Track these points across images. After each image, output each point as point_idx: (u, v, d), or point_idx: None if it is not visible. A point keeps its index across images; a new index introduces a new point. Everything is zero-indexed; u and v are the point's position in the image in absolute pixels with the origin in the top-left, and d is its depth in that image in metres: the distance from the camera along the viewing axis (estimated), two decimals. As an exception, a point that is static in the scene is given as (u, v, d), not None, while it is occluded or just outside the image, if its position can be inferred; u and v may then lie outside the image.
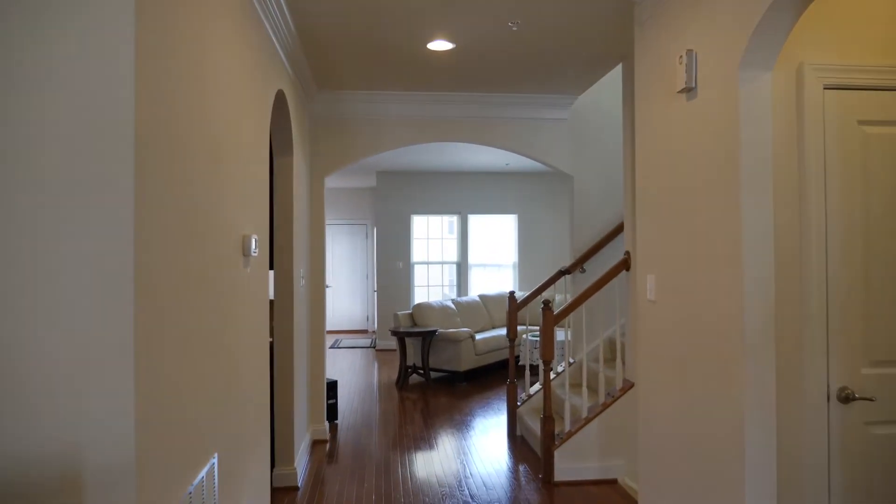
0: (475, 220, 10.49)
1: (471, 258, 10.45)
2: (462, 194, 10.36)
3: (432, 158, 8.95)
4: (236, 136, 2.55)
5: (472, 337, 7.60)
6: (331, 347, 10.48)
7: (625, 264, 4.28)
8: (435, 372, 7.71)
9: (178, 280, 1.78)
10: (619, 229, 5.33)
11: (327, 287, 12.54)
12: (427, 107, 5.25)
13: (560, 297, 8.28)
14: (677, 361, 2.75)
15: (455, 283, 10.50)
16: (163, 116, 1.66)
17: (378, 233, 10.29)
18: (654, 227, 3.02)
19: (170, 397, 1.71)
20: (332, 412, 5.71)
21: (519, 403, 5.32)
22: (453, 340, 7.45)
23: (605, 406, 4.22)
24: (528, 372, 5.41)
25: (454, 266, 10.49)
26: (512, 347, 5.39)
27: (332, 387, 5.72)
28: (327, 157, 5.22)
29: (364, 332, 12.42)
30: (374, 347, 10.40)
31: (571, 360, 5.45)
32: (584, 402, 4.27)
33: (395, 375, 8.06)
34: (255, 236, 2.76)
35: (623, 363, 4.31)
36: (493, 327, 9.03)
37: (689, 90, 2.63)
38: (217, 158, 2.24)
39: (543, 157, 5.42)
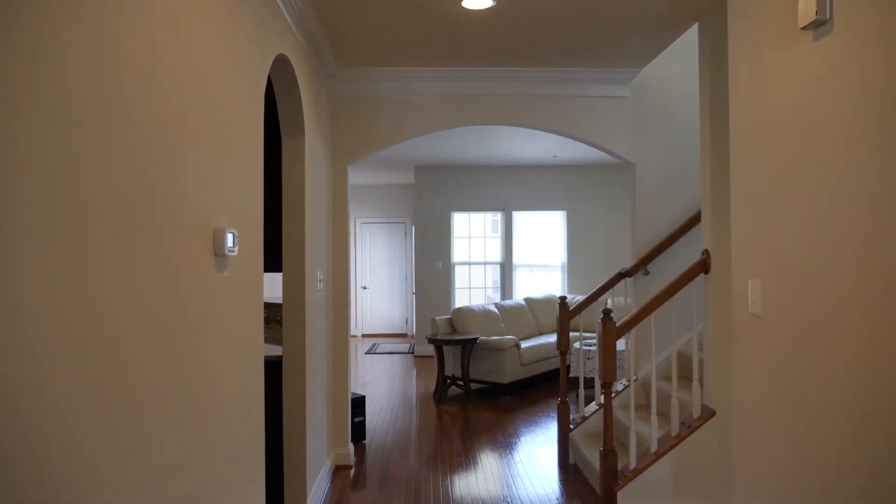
0: (520, 218, 9.75)
1: (515, 258, 9.72)
2: (506, 190, 9.65)
3: (473, 151, 8.27)
4: (206, 105, 1.93)
5: (518, 345, 6.88)
6: (367, 353, 9.91)
7: (702, 266, 3.51)
8: (475, 383, 7.03)
9: (91, 294, 1.16)
10: (691, 223, 4.55)
11: (364, 289, 12.05)
12: (463, 85, 4.57)
13: (619, 300, 7.49)
14: (799, 395, 2.00)
15: (499, 285, 9.79)
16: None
17: (416, 231, 9.67)
18: (758, 218, 2.27)
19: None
20: (359, 431, 5.09)
21: (572, 426, 4.59)
22: (496, 349, 6.75)
23: (681, 438, 3.46)
24: (581, 387, 4.67)
25: (497, 267, 9.79)
26: (563, 360, 4.67)
27: (360, 403, 5.10)
28: (351, 144, 4.60)
29: (403, 336, 11.83)
30: (412, 353, 9.79)
31: (635, 377, 4.68)
32: (653, 431, 3.52)
33: (433, 385, 7.41)
34: (233, 231, 2.13)
35: (701, 385, 3.54)
36: (541, 334, 8.29)
37: (819, 24, 1.88)
38: (168, 131, 1.62)
39: (599, 142, 4.67)
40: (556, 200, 9.65)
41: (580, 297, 8.73)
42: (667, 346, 4.55)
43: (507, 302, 8.10)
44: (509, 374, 6.75)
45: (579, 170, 9.61)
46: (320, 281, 4.05)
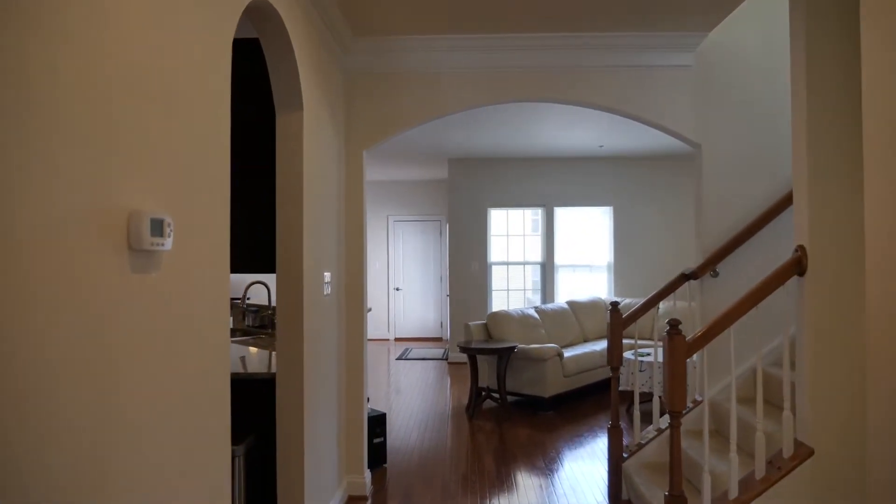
0: (562, 214, 9.03)
1: (557, 258, 9.00)
2: (547, 184, 8.94)
3: (511, 141, 7.60)
4: (126, 43, 1.34)
5: (560, 354, 6.19)
6: (398, 359, 9.33)
7: (797, 266, 2.79)
8: (512, 396, 6.35)
9: None
10: (771, 214, 3.81)
11: (396, 290, 11.49)
12: (497, 55, 3.92)
13: (681, 304, 6.73)
14: None
15: (539, 286, 9.09)
16: None
17: (450, 229, 9.04)
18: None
19: None
20: (378, 454, 4.48)
21: (625, 455, 3.89)
22: (537, 359, 6.07)
23: (769, 482, 2.74)
24: (636, 406, 3.96)
25: (538, 267, 9.09)
26: (615, 378, 3.97)
27: (380, 421, 4.50)
28: (368, 126, 4.00)
29: (438, 340, 11.22)
30: (446, 359, 9.16)
31: (698, 397, 3.96)
32: (732, 472, 2.81)
33: (467, 397, 6.77)
34: (166, 218, 1.54)
35: (794, 415, 2.81)
36: (585, 341, 7.57)
37: None
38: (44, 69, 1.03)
39: (658, 119, 3.96)
40: (601, 195, 8.89)
41: (628, 301, 7.97)
42: (738, 360, 3.82)
43: (549, 306, 7.40)
44: (551, 386, 6.06)
45: (627, 161, 8.83)
46: (328, 284, 3.45)
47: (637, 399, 3.97)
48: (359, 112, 3.99)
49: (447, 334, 10.92)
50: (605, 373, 6.81)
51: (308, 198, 3.01)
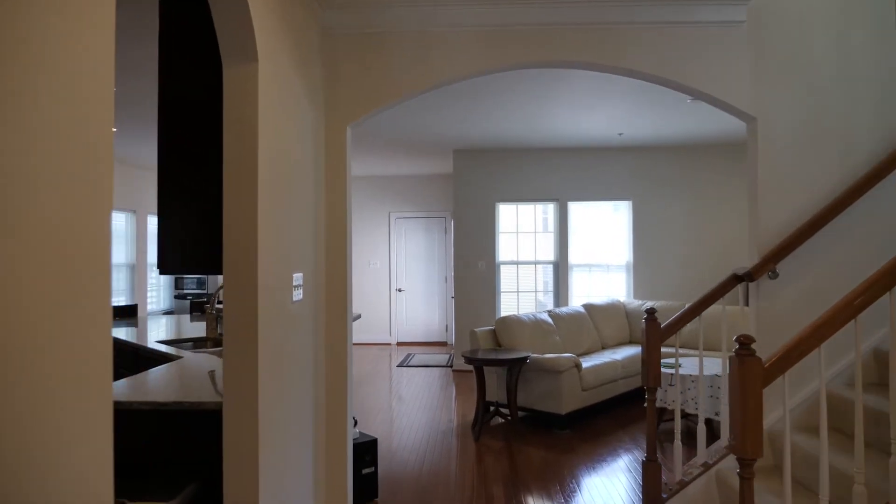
0: (577, 209, 8.33)
1: (571, 257, 8.30)
2: (560, 176, 8.24)
3: (522, 130, 6.91)
4: None
5: (578, 366, 5.49)
6: (399, 366, 8.65)
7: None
8: (524, 411, 5.66)
9: None
10: (844, 202, 3.11)
11: (399, 291, 10.81)
12: (509, 10, 3.23)
13: (730, 308, 6.02)
14: None
15: (551, 288, 8.38)
16: None
17: (456, 226, 8.36)
18: None
19: None
20: (368, 486, 3.81)
21: (664, 496, 3.20)
22: (551, 371, 5.37)
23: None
24: (677, 434, 3.26)
25: (550, 267, 8.39)
26: (651, 402, 3.27)
27: (370, 448, 3.82)
28: (352, 96, 3.32)
29: (442, 344, 10.53)
30: (450, 367, 8.48)
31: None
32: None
33: (472, 412, 6.09)
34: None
35: (903, 463, 2.12)
36: (603, 348, 6.86)
37: None
38: None
39: (704, 87, 3.26)
40: (619, 189, 8.18)
41: (650, 304, 7.26)
42: (799, 382, 3.14)
43: (563, 309, 6.70)
44: (568, 401, 5.37)
45: (648, 152, 8.12)
46: (298, 287, 2.78)
47: (677, 422, 3.27)
48: (342, 79, 3.32)
49: (452, 339, 10.24)
50: (627, 385, 6.11)
51: (266, 179, 2.33)
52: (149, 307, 9.77)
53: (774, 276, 3.20)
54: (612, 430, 5.42)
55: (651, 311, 3.24)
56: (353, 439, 3.74)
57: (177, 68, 2.41)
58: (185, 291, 10.38)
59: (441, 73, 3.27)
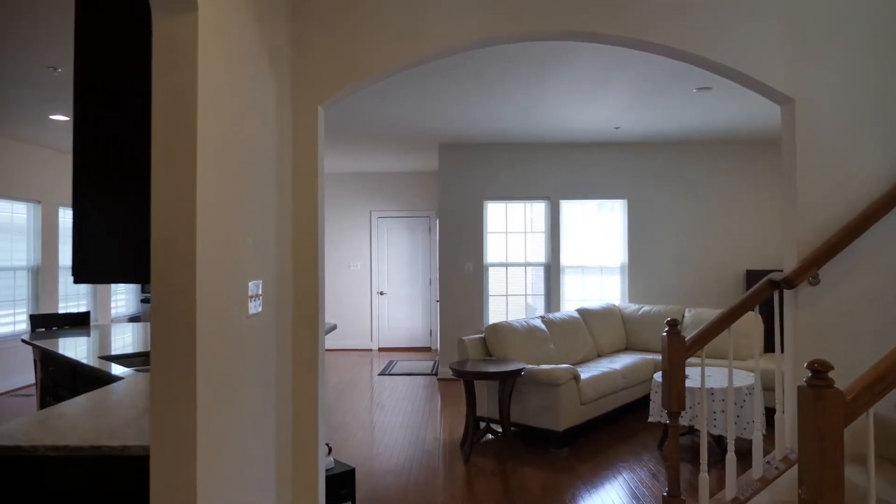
0: (570, 208, 7.89)
1: (564, 259, 7.85)
2: (552, 173, 7.79)
3: (512, 123, 6.44)
4: None
5: (577, 377, 5.03)
6: (381, 374, 8.14)
7: None
8: (517, 427, 5.19)
9: None
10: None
11: (380, 294, 10.31)
12: (509, -29, 2.76)
13: (756, 318, 5.61)
14: None
15: (543, 291, 7.93)
16: None
17: (441, 226, 7.88)
18: None
19: None
20: (344, 524, 3.31)
21: (689, 539, 2.74)
22: (548, 384, 4.91)
23: None
24: (704, 463, 2.81)
25: (541, 269, 7.93)
26: (674, 429, 2.81)
27: (346, 480, 3.32)
28: (325, 70, 2.82)
29: (427, 350, 10.05)
30: (436, 374, 7.99)
31: (791, 453, 2.81)
32: None
33: (461, 427, 5.61)
34: None
35: None
36: (599, 356, 6.43)
37: None
38: None
39: (734, 63, 2.81)
40: (614, 187, 7.75)
41: (647, 308, 6.84)
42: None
43: (557, 315, 6.25)
44: (566, 417, 4.91)
45: (646, 147, 7.70)
46: (256, 297, 2.28)
47: (705, 454, 2.81)
48: (314, 49, 2.82)
49: (437, 344, 9.77)
50: (627, 397, 5.67)
51: (209, 163, 1.83)
52: (114, 312, 9.16)
53: (815, 281, 2.76)
54: (613, 447, 4.97)
55: (674, 323, 2.78)
56: (327, 469, 3.25)
57: (97, 25, 1.90)
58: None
59: (430, 43, 2.78)
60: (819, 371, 1.63)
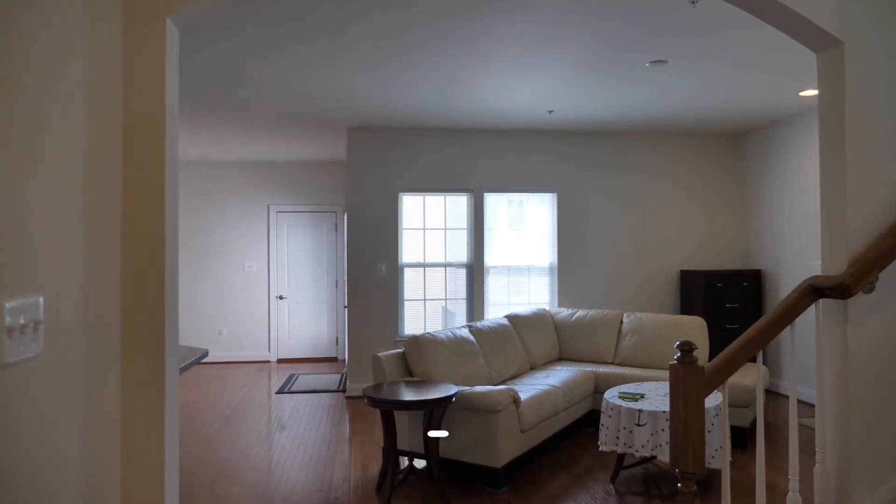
0: (494, 202, 7.11)
1: (488, 258, 7.06)
2: (476, 163, 6.99)
3: (434, 104, 5.56)
4: None
5: (517, 401, 4.20)
6: (279, 392, 7.01)
7: None
8: (446, 463, 4.29)
9: None
10: None
11: (279, 299, 9.14)
12: None
13: (648, 315, 4.96)
14: None
15: (465, 295, 7.10)
16: None
17: (350, 221, 6.88)
18: None
19: None
20: None
21: None
22: (484, 410, 4.05)
23: None
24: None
25: (463, 270, 7.10)
26: (687, 493, 2.01)
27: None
28: (177, -35, 1.80)
29: (333, 360, 8.99)
30: (343, 391, 6.98)
31: None
32: None
33: (375, 461, 4.65)
34: None
35: None
36: (532, 368, 5.68)
37: None
38: None
39: (766, -10, 2.05)
40: (544, 179, 7.05)
41: (581, 314, 6.17)
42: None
43: (486, 324, 5.43)
44: (506, 450, 4.07)
45: (579, 136, 7.05)
46: (28, 327, 1.25)
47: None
48: (157, -67, 1.79)
49: (345, 354, 8.73)
50: (566, 418, 4.92)
51: None
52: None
53: (871, 288, 2.05)
54: (557, 479, 4.19)
55: (688, 349, 1.98)
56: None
57: None
58: None
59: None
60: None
